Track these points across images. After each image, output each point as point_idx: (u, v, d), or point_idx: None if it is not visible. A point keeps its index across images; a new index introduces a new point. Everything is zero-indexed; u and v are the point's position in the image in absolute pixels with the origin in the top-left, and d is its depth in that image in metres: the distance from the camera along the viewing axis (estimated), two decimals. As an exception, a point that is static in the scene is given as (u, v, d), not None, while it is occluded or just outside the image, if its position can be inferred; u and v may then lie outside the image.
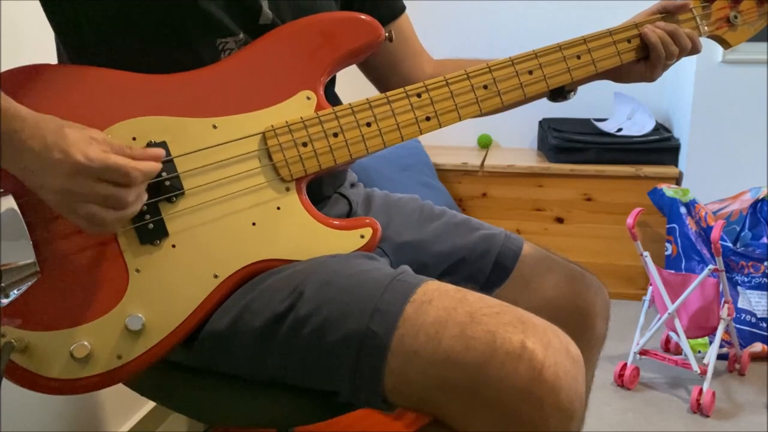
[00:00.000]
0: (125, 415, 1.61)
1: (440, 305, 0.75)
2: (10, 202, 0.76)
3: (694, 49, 1.00)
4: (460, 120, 0.92)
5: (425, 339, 0.73)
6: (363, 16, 0.89)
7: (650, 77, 1.01)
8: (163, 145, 0.81)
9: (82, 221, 0.73)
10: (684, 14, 1.00)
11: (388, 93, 0.89)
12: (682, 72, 2.50)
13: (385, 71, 1.09)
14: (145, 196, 0.77)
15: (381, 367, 0.74)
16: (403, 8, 1.08)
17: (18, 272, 0.76)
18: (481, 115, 0.96)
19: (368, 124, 0.88)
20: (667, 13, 1.00)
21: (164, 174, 0.81)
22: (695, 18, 1.00)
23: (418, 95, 0.90)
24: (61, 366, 0.78)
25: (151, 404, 1.67)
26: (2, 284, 0.75)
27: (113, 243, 0.80)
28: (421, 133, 0.90)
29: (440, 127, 0.91)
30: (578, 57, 0.96)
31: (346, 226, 0.88)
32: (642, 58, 0.99)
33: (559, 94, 1.04)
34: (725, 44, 1.05)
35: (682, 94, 2.52)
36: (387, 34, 0.91)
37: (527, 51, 0.94)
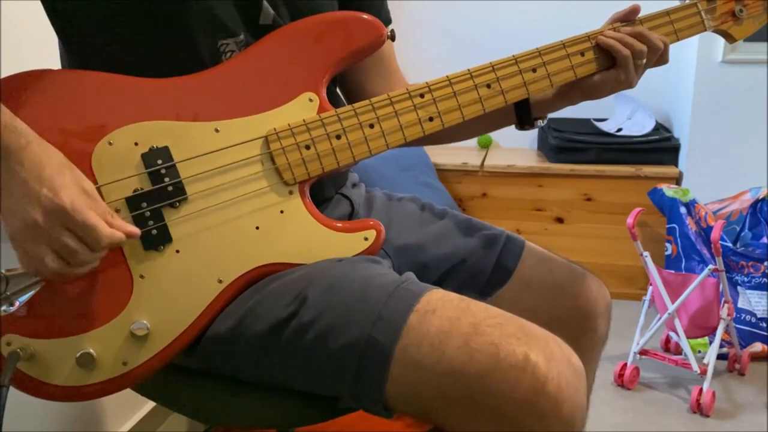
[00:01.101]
0: (125, 415, 1.61)
1: (444, 315, 0.75)
2: None
3: (663, 56, 0.96)
4: (464, 119, 0.91)
5: (429, 349, 0.73)
6: (365, 16, 0.89)
7: (628, 82, 0.95)
8: (165, 149, 0.81)
9: (26, 258, 0.72)
10: (689, 9, 0.98)
11: (391, 94, 0.89)
12: (682, 72, 2.50)
13: (353, 87, 1.06)
14: (96, 264, 0.76)
15: (383, 375, 0.74)
16: (387, 22, 1.05)
17: (23, 280, 0.75)
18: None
19: (371, 126, 0.88)
20: (625, 22, 0.96)
21: (167, 179, 0.81)
22: (700, 13, 0.99)
23: (421, 95, 0.89)
24: (66, 373, 0.78)
25: (151, 404, 1.67)
26: (7, 292, 0.75)
27: (117, 249, 0.79)
28: (425, 134, 0.90)
29: (443, 127, 0.90)
30: (582, 54, 0.94)
31: (350, 229, 0.88)
32: (609, 66, 0.95)
33: (526, 120, 1.00)
34: (730, 38, 1.03)
35: (682, 94, 2.52)
36: (389, 33, 0.90)
37: (531, 49, 0.93)
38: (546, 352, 0.72)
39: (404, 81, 1.09)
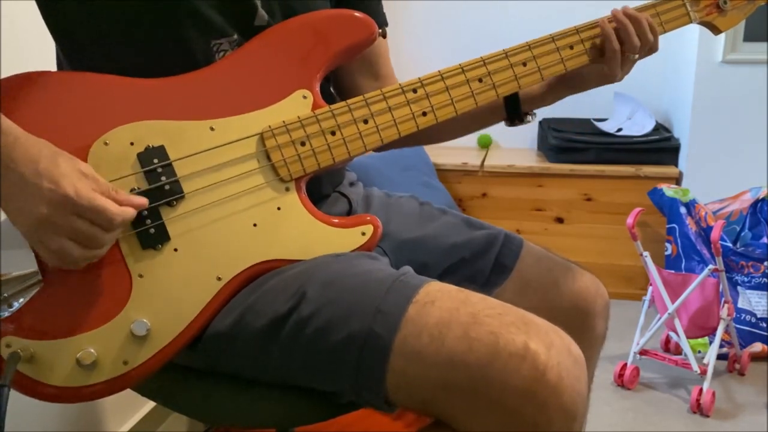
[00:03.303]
0: (125, 415, 1.61)
1: (443, 306, 0.75)
2: None
3: (653, 47, 0.96)
4: (456, 114, 0.91)
5: (428, 340, 0.73)
6: (356, 14, 0.89)
7: (612, 75, 0.96)
8: (161, 148, 0.81)
9: (50, 254, 0.73)
10: (674, 1, 0.98)
11: (384, 89, 0.89)
12: (682, 72, 2.50)
13: (344, 87, 1.05)
14: (114, 240, 0.77)
15: (383, 368, 0.74)
16: (383, 24, 1.05)
17: (21, 281, 0.75)
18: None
19: (365, 121, 0.88)
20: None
21: (164, 178, 0.81)
22: (685, 5, 0.99)
23: (414, 90, 0.90)
24: (66, 374, 0.78)
25: (151, 404, 1.67)
26: (5, 294, 0.75)
27: (115, 249, 0.79)
28: (418, 128, 0.90)
29: (437, 122, 0.91)
30: (571, 47, 0.95)
31: (347, 224, 0.88)
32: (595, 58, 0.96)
33: (516, 115, 1.01)
34: (715, 30, 1.03)
35: (682, 94, 2.52)
36: (381, 31, 0.91)
37: (521, 43, 0.94)
38: (546, 341, 0.72)
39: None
